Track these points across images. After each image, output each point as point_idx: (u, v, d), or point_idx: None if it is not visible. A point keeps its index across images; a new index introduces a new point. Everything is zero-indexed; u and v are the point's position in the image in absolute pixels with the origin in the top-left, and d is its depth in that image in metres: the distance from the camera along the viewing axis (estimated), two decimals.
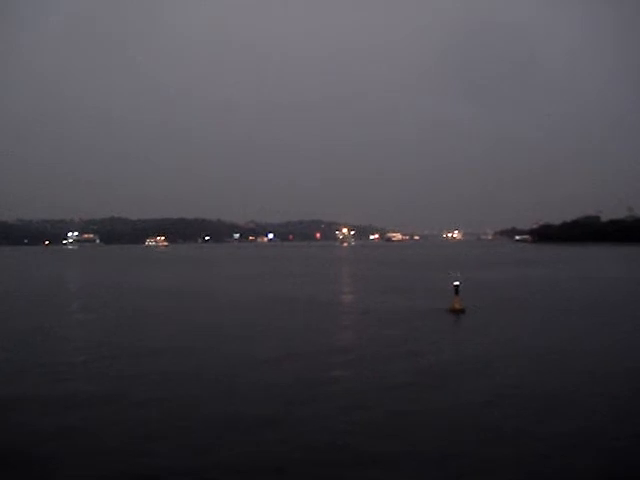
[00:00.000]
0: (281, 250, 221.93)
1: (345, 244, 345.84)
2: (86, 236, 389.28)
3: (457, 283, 33.25)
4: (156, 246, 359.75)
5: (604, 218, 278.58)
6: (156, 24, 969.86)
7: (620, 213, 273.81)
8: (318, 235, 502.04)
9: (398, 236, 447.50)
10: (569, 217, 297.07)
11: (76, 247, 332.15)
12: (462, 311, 32.78)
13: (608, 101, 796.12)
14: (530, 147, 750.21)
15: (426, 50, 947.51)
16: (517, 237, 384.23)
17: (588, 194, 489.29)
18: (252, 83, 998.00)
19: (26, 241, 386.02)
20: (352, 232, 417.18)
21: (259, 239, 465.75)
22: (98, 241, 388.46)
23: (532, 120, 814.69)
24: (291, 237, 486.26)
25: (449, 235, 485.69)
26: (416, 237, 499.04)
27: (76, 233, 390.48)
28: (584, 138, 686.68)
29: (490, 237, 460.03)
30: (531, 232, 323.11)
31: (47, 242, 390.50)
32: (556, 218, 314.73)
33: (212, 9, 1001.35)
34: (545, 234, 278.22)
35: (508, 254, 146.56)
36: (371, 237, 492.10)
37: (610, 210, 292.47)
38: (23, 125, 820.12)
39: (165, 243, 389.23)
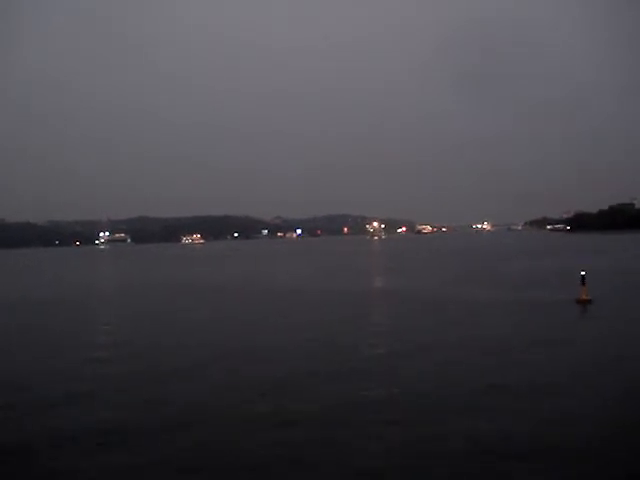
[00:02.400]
0: (317, 245, 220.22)
1: (376, 238, 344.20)
2: (117, 236, 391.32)
3: (583, 273, 31.73)
4: (192, 244, 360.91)
5: (638, 205, 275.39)
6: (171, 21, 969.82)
7: None
8: (346, 229, 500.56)
9: (428, 228, 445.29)
10: (598, 206, 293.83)
11: (108, 247, 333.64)
12: (589, 301, 31.32)
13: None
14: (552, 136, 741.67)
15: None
16: (549, 226, 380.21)
17: (616, 182, 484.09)
18: (271, 74, 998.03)
19: (57, 242, 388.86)
20: (382, 225, 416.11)
21: (287, 235, 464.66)
22: (129, 240, 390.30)
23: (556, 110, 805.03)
24: (319, 232, 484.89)
25: (479, 226, 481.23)
26: (444, 229, 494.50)
27: (107, 233, 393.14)
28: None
29: (520, 227, 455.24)
30: (567, 221, 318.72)
31: (78, 243, 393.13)
32: (585, 207, 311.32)
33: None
34: (581, 223, 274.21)
35: (555, 243, 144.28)
36: (398, 230, 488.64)
37: None
38: (43, 126, 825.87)
39: (201, 240, 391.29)
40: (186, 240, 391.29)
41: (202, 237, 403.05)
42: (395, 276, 57.92)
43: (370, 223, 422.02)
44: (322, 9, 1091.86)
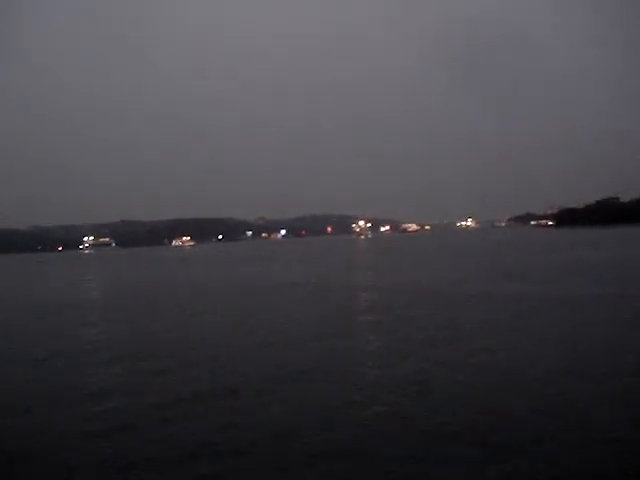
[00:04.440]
0: (305, 245, 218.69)
1: (362, 237, 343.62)
2: (102, 240, 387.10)
3: None
4: (182, 246, 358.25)
5: (623, 199, 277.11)
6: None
7: (636, 194, 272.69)
8: (329, 229, 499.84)
9: (413, 227, 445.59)
10: (581, 201, 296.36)
11: (93, 251, 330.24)
12: None
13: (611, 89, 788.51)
14: (533, 132, 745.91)
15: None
16: (533, 222, 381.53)
17: (598, 178, 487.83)
18: (259, 73, 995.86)
19: (39, 247, 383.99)
20: (369, 224, 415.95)
21: (272, 235, 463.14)
22: (114, 245, 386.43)
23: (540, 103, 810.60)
24: (303, 232, 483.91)
25: (463, 224, 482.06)
26: (427, 227, 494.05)
27: (92, 237, 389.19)
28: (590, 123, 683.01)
29: (504, 224, 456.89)
30: (553, 216, 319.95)
31: (61, 248, 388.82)
32: (567, 202, 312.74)
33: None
34: (568, 218, 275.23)
35: (547, 238, 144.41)
36: (382, 229, 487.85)
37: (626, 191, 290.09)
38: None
39: (191, 243, 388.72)
40: (176, 243, 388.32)
41: (193, 239, 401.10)
42: (439, 270, 57.37)
43: (355, 222, 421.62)
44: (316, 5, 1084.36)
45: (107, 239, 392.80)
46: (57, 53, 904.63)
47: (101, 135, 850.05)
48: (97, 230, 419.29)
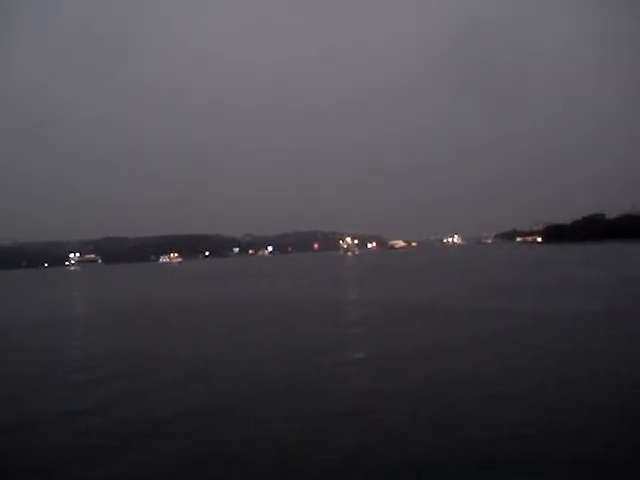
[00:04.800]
0: (293, 262, 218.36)
1: (350, 253, 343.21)
2: (88, 257, 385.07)
3: None
4: (170, 262, 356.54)
5: (609, 215, 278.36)
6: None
7: (620, 210, 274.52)
8: (316, 245, 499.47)
9: (400, 243, 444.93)
10: (566, 217, 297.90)
11: (79, 268, 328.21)
12: None
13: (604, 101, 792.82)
14: (522, 148, 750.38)
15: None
16: (519, 239, 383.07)
17: (583, 193, 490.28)
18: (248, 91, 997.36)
19: (24, 264, 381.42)
20: (356, 241, 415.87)
21: (259, 252, 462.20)
22: (100, 261, 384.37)
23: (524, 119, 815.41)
24: (290, 248, 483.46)
25: (449, 240, 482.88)
26: (413, 244, 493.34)
27: (78, 254, 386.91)
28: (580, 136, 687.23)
29: (490, 240, 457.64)
30: (540, 232, 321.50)
31: (46, 264, 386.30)
32: (553, 219, 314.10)
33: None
34: (555, 234, 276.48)
35: (535, 255, 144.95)
36: (368, 246, 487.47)
37: (611, 208, 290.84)
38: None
39: (179, 259, 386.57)
40: (164, 259, 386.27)
41: (181, 255, 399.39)
42: (444, 288, 57.12)
43: (343, 239, 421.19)
44: (318, 20, 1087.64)
45: (93, 255, 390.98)
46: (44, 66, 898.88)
47: (85, 151, 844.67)
48: (83, 246, 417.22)
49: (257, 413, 16.30)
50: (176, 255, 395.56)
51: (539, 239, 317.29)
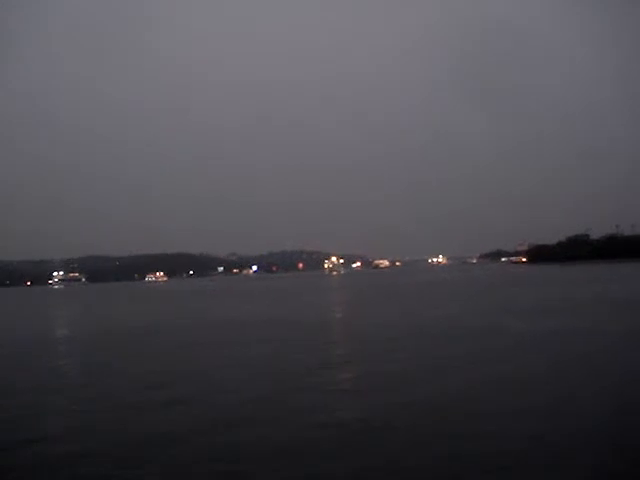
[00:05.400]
0: (280, 281, 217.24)
1: (335, 273, 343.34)
2: (72, 275, 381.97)
3: None
4: (155, 281, 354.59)
5: (593, 236, 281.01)
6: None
7: (604, 231, 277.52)
8: (301, 265, 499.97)
9: (385, 263, 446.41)
10: (550, 238, 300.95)
11: (62, 287, 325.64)
12: None
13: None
14: (507, 171, 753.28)
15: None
16: (503, 259, 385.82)
17: (566, 214, 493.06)
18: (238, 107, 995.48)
19: (8, 282, 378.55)
20: (341, 260, 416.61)
21: (244, 272, 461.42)
22: (84, 280, 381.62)
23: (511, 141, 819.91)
24: (275, 268, 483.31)
25: (434, 260, 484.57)
26: (397, 263, 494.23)
27: (62, 272, 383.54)
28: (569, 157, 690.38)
29: (474, 261, 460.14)
30: (525, 253, 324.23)
31: (29, 283, 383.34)
32: (537, 239, 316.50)
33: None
34: (539, 254, 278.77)
35: (528, 275, 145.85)
36: (353, 265, 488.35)
37: (596, 228, 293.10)
38: None
39: (165, 278, 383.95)
40: (149, 278, 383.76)
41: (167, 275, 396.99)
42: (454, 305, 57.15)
43: (328, 258, 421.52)
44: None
45: (77, 274, 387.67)
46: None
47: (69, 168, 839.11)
48: (66, 265, 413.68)
49: None
50: (162, 274, 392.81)
51: (524, 259, 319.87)
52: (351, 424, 16.40)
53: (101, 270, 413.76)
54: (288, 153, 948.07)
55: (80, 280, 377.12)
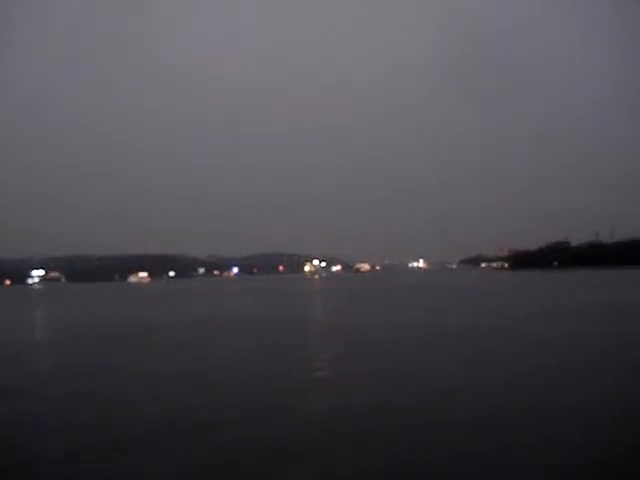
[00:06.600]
0: (264, 283, 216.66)
1: (317, 276, 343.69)
2: (52, 275, 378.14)
3: None
4: (139, 282, 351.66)
5: (573, 243, 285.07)
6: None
7: (583, 239, 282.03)
8: (281, 268, 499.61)
9: (366, 266, 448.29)
10: (530, 243, 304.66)
11: (42, 287, 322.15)
12: None
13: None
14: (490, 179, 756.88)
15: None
16: (483, 264, 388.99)
17: (546, 220, 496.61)
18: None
19: None
20: (323, 264, 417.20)
21: (225, 273, 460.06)
22: (64, 279, 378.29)
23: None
24: (255, 270, 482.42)
25: (414, 264, 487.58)
26: (377, 267, 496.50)
27: (42, 272, 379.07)
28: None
29: (454, 266, 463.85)
30: (505, 258, 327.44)
31: (8, 282, 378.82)
32: (517, 245, 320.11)
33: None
34: (520, 260, 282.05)
35: (514, 281, 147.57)
36: (333, 269, 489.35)
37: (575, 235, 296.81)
38: None
39: (148, 279, 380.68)
40: (132, 278, 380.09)
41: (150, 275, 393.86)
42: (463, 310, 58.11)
43: (310, 261, 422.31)
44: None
45: (57, 274, 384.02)
46: None
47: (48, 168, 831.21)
48: (46, 264, 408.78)
49: None
50: (145, 275, 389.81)
51: (501, 265, 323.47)
52: None
53: (82, 270, 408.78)
54: (266, 155, 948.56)
55: (60, 280, 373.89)
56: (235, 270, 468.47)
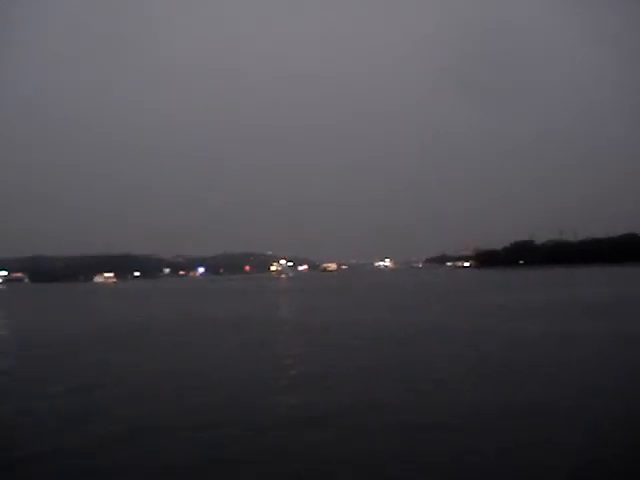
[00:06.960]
0: (231, 283, 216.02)
1: (283, 276, 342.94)
2: (14, 275, 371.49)
3: None
4: (105, 283, 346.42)
5: (537, 241, 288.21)
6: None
7: (546, 237, 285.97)
8: (247, 268, 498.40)
9: (333, 266, 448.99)
10: (493, 243, 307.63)
11: (5, 287, 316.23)
12: None
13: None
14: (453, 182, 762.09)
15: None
16: (449, 263, 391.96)
17: (509, 219, 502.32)
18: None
19: None
20: (290, 263, 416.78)
21: (190, 273, 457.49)
22: (27, 280, 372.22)
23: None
24: (221, 270, 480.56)
25: (380, 264, 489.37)
26: (344, 267, 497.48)
27: (5, 272, 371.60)
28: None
29: (420, 265, 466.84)
30: (470, 257, 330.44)
31: None
32: (483, 244, 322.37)
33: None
34: (486, 259, 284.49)
35: (484, 280, 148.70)
36: (300, 268, 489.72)
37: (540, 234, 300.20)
38: None
39: (114, 280, 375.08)
40: (98, 279, 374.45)
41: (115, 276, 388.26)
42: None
43: (276, 260, 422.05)
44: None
45: (20, 274, 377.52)
46: None
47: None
48: (8, 264, 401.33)
49: None
50: (111, 275, 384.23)
51: (467, 264, 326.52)
52: None
53: (46, 270, 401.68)
54: (226, 155, 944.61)
55: (22, 280, 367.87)
56: (201, 270, 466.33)
